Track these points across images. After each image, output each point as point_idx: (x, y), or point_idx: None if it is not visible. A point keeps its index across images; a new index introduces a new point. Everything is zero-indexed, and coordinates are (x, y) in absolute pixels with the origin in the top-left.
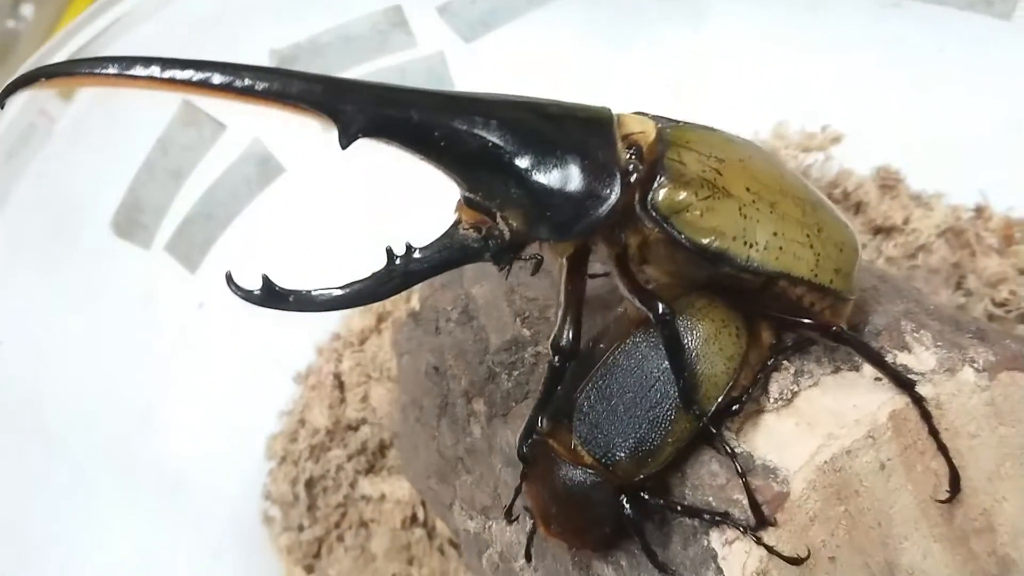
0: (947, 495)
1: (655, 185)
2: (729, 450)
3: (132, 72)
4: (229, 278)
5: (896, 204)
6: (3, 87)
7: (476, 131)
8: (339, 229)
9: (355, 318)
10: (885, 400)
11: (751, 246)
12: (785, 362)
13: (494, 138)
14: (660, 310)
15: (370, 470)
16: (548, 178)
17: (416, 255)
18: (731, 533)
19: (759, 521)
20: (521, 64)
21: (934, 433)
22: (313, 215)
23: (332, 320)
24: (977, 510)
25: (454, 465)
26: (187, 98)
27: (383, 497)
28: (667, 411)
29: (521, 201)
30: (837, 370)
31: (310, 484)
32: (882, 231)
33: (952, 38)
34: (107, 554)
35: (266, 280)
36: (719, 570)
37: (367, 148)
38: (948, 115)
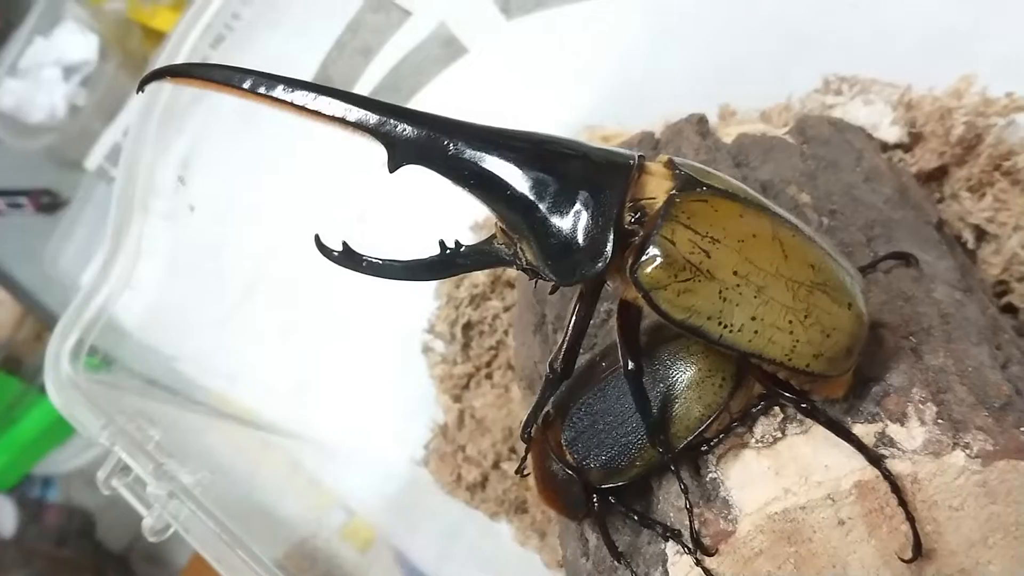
0: (910, 557)
1: (643, 258)
2: (684, 487)
3: (232, 83)
4: (317, 239)
5: None
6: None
7: (500, 177)
8: (512, 105)
9: None
10: (856, 468)
11: (725, 327)
12: (776, 408)
13: (514, 184)
14: (629, 366)
15: None
16: (553, 231)
17: (462, 251)
18: (682, 547)
19: (699, 549)
20: None
21: (902, 504)
22: (490, 93)
23: None
24: (954, 568)
25: (536, 379)
26: None
27: None
28: (638, 440)
29: (531, 243)
30: None
31: (467, 327)
32: None
33: None
34: (293, 352)
35: (345, 245)
36: (665, 572)
37: None
38: None
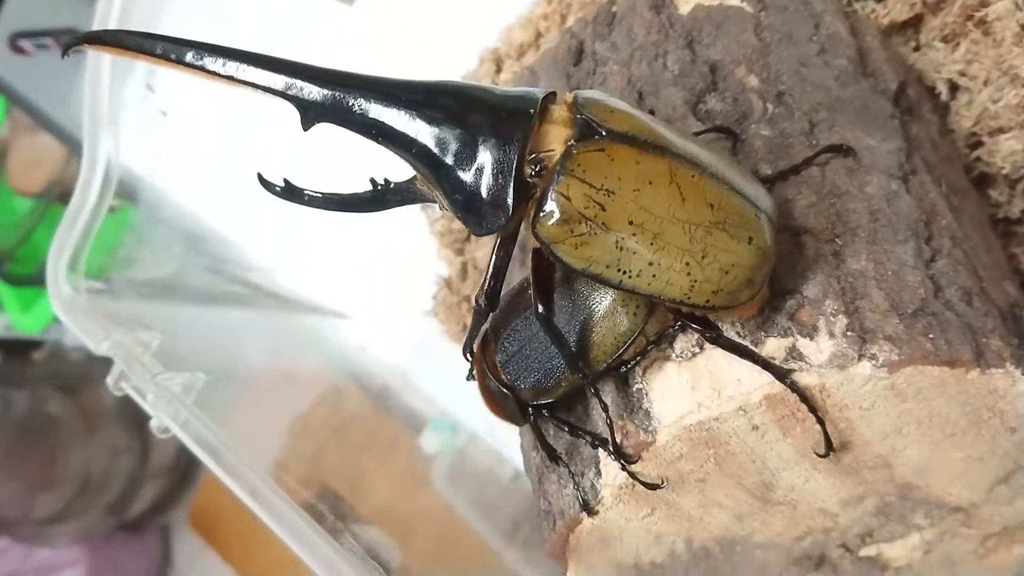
0: (824, 452)
1: (540, 214)
2: (604, 405)
3: (143, 49)
4: (260, 177)
5: None
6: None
7: (405, 134)
8: None
9: (516, 31)
10: (766, 382)
11: (624, 273)
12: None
13: (419, 140)
14: (539, 310)
15: None
16: (458, 185)
17: (391, 187)
18: (608, 454)
19: (622, 457)
20: None
21: (812, 411)
22: None
23: (492, 33)
24: (871, 455)
25: None
26: None
27: None
28: (562, 364)
29: (442, 196)
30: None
31: None
32: (1006, 76)
33: None
34: (299, 228)
35: (286, 181)
36: (598, 472)
37: None
38: None
